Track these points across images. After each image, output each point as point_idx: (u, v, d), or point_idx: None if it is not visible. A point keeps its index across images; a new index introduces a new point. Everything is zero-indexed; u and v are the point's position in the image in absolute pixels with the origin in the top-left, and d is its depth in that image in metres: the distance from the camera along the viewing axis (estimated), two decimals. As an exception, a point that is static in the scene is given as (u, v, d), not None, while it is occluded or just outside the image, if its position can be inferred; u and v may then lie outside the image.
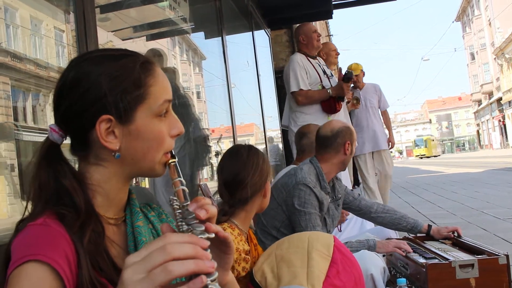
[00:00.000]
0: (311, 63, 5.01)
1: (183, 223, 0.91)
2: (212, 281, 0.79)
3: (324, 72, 5.05)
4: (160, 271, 0.76)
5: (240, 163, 2.22)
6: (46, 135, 1.10)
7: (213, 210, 0.94)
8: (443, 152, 67.87)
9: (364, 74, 6.98)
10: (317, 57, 5.28)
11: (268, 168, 2.25)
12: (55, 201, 1.02)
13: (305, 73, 4.91)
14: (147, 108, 1.06)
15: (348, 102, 5.94)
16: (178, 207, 0.95)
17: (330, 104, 4.86)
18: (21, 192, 2.80)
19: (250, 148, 2.29)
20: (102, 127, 1.03)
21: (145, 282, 0.75)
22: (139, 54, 1.12)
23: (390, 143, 6.99)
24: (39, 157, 1.08)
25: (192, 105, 4.73)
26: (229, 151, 2.36)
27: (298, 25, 5.66)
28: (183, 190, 0.99)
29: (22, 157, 3.02)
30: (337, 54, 6.15)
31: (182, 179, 1.02)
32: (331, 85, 4.92)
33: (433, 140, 68.05)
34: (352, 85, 6.04)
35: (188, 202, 0.95)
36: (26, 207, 1.05)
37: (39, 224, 0.96)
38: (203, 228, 0.89)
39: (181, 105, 4.20)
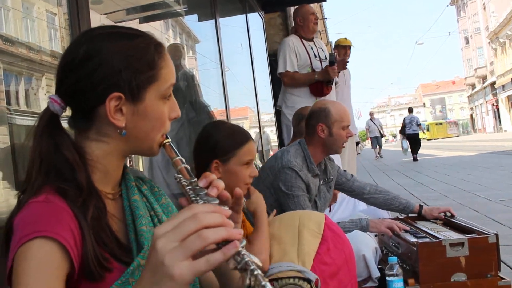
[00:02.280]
0: (304, 45, 5.00)
1: (198, 198, 0.93)
2: (242, 247, 0.80)
3: (317, 56, 5.03)
4: (195, 238, 0.77)
5: (200, 133, 2.21)
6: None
7: (222, 184, 0.96)
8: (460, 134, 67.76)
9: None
10: (314, 40, 5.25)
11: (218, 146, 2.11)
12: (54, 174, 1.03)
13: (295, 55, 4.91)
14: (156, 89, 1.08)
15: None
16: (187, 183, 0.97)
17: (317, 87, 4.86)
18: (15, 177, 2.80)
19: (210, 125, 2.25)
20: (111, 104, 1.04)
21: (180, 249, 0.77)
22: (150, 35, 1.14)
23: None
24: (40, 127, 1.08)
25: (198, 84, 4.76)
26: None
27: (297, 6, 5.62)
28: (186, 168, 1.02)
29: (15, 141, 3.01)
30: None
31: (181, 157, 1.05)
32: (322, 68, 4.91)
33: (437, 124, 67.94)
34: (348, 60, 5.91)
35: (195, 179, 0.98)
36: (24, 181, 1.05)
37: (41, 201, 0.96)
38: (218, 201, 0.92)
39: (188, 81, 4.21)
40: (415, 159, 18.07)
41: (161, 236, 0.78)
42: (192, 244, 0.77)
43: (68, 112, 1.13)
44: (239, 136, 2.14)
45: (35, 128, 1.08)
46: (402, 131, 19.53)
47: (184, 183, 0.98)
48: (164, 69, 1.10)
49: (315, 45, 5.16)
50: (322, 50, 5.22)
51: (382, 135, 23.72)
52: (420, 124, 19.21)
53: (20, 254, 0.89)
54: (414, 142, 18.68)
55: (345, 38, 6.82)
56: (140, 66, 1.06)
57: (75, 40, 1.10)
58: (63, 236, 0.92)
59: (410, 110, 19.95)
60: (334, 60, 4.81)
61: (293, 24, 5.57)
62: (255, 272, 0.78)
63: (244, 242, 0.82)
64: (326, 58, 5.10)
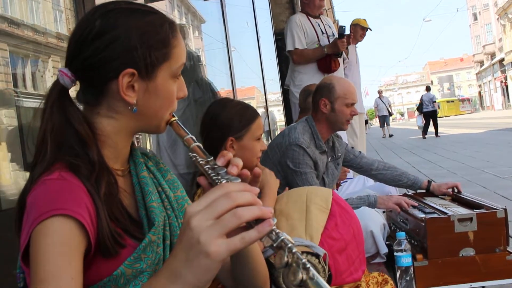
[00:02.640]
0: (311, 22, 4.96)
1: (219, 177, 0.92)
2: (274, 225, 0.81)
3: (324, 32, 5.00)
4: (230, 216, 0.78)
5: (204, 115, 2.21)
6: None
7: (240, 162, 0.95)
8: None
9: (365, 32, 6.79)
10: (321, 17, 5.20)
11: (233, 124, 2.13)
12: (66, 149, 1.03)
13: (303, 32, 4.87)
14: (168, 68, 1.08)
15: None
16: (204, 162, 0.97)
17: (326, 62, 4.82)
18: (23, 159, 2.81)
19: (220, 102, 2.26)
20: (124, 80, 1.04)
21: (216, 227, 0.77)
22: (164, 14, 1.13)
23: None
24: (50, 100, 1.07)
25: (203, 64, 4.74)
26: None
27: None
28: (199, 146, 1.02)
29: (23, 123, 3.02)
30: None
31: (191, 135, 1.05)
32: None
33: (448, 101, 67.26)
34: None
35: (212, 157, 0.98)
36: (34, 155, 1.04)
37: (55, 179, 0.96)
38: (240, 180, 0.92)
39: (194, 61, 4.20)
40: (436, 134, 18.80)
41: (195, 214, 0.79)
42: (227, 222, 0.78)
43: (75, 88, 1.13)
44: (250, 112, 2.18)
45: (45, 102, 1.07)
46: (420, 108, 19.93)
47: (201, 162, 0.97)
48: (176, 48, 1.09)
49: (322, 22, 5.11)
50: (330, 27, 5.17)
51: (390, 114, 23.45)
52: (435, 102, 19.57)
53: (39, 231, 0.89)
54: (431, 119, 19.25)
55: (364, 20, 6.75)
56: (155, 43, 1.06)
57: (89, 14, 1.08)
58: (80, 213, 0.92)
59: (428, 89, 20.59)
60: (343, 33, 4.78)
61: (299, 3, 5.53)
62: (293, 250, 0.78)
63: (275, 220, 0.82)
64: (333, 35, 5.05)
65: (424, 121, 19.86)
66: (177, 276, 0.80)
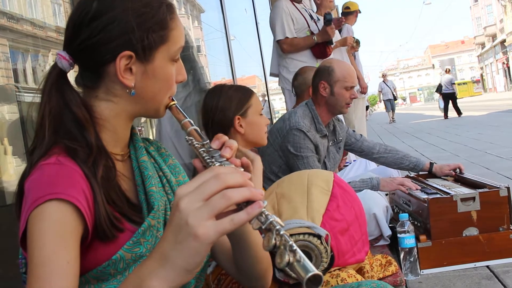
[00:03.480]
0: (297, 8, 4.83)
1: (213, 160, 0.93)
2: (264, 207, 0.81)
3: (311, 17, 4.93)
4: (219, 198, 0.78)
5: (204, 103, 2.27)
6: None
7: (235, 144, 0.96)
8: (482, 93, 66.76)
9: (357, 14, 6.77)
10: (303, 2, 5.13)
11: (232, 103, 2.20)
12: (63, 133, 1.03)
13: (291, 20, 4.77)
14: (166, 50, 1.08)
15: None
16: (199, 145, 0.97)
17: (320, 49, 4.77)
18: (26, 153, 2.81)
19: (215, 87, 2.31)
20: (122, 62, 1.03)
21: (205, 209, 0.77)
22: None
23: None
24: (49, 83, 1.07)
25: (197, 55, 4.71)
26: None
27: None
28: (196, 130, 1.01)
29: (25, 118, 3.03)
30: None
31: (190, 119, 1.05)
32: (319, 30, 4.82)
33: (459, 84, 67.11)
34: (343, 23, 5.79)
35: (208, 141, 0.98)
36: (33, 140, 1.04)
37: (52, 163, 0.96)
38: (233, 166, 0.92)
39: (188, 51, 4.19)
40: (459, 113, 19.51)
41: (184, 196, 0.79)
42: (216, 203, 0.77)
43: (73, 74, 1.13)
44: (245, 88, 2.28)
45: (43, 85, 1.07)
46: (439, 89, 20.31)
47: (196, 145, 0.98)
48: (174, 31, 1.09)
49: (305, 6, 5.02)
50: (313, 11, 5.10)
51: (395, 98, 22.72)
52: (454, 84, 20.03)
53: (35, 216, 0.89)
54: (451, 100, 19.88)
55: (351, 2, 6.71)
56: (153, 25, 1.05)
57: None
58: (76, 197, 0.92)
59: (447, 71, 21.21)
60: (331, 19, 4.69)
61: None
62: (281, 232, 0.77)
63: (266, 202, 0.81)
64: (318, 19, 4.97)
65: (444, 103, 20.31)
66: (166, 258, 0.80)
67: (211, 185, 0.79)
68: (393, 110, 22.88)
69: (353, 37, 5.99)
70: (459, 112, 19.55)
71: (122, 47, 1.03)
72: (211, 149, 0.95)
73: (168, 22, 1.08)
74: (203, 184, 0.79)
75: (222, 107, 2.17)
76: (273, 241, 0.77)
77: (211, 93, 2.27)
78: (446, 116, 19.67)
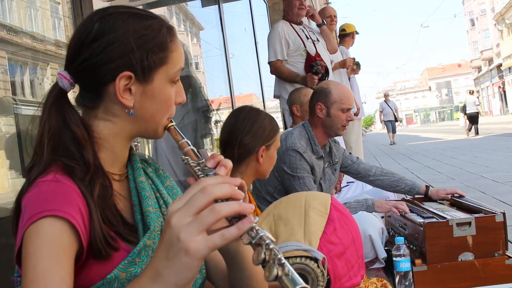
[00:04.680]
0: (294, 29, 4.88)
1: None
2: (255, 222, 0.81)
3: (309, 38, 4.94)
4: (208, 212, 0.79)
5: (235, 121, 2.25)
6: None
7: (230, 164, 0.97)
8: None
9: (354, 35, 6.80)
10: (303, 23, 5.15)
11: (265, 132, 2.24)
12: (62, 151, 1.04)
13: (286, 42, 4.78)
14: (165, 72, 1.09)
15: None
16: (195, 164, 0.98)
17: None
18: (22, 167, 2.81)
19: (251, 110, 2.31)
20: (121, 82, 1.05)
21: (195, 224, 0.78)
22: (163, 18, 1.14)
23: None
24: (49, 102, 1.08)
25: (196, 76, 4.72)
26: (233, 110, 2.40)
27: None
28: (192, 150, 1.02)
29: (22, 131, 3.02)
30: (333, 20, 5.92)
31: (187, 140, 1.06)
32: (316, 51, 4.82)
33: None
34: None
35: (203, 160, 0.98)
36: (32, 158, 1.05)
37: (49, 181, 0.97)
38: (221, 174, 0.93)
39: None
40: (476, 133, 20.57)
41: (174, 213, 0.80)
42: (205, 218, 0.78)
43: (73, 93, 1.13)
44: (275, 123, 2.31)
45: (44, 104, 1.08)
46: (464, 109, 22.10)
47: (192, 164, 0.98)
48: (174, 53, 1.10)
49: (305, 28, 5.06)
50: (314, 32, 5.12)
51: (396, 119, 21.26)
52: (478, 105, 21.70)
53: (30, 232, 0.90)
54: (473, 119, 20.94)
55: (349, 24, 6.73)
56: (153, 46, 1.07)
57: (88, 17, 1.10)
58: (72, 215, 0.92)
59: (471, 92, 23.01)
60: (316, 71, 4.69)
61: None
62: (271, 246, 0.78)
63: (257, 218, 0.82)
64: (318, 40, 5.00)
65: (467, 122, 21.44)
66: (158, 275, 0.81)
67: (198, 198, 0.80)
68: (393, 131, 21.56)
69: (353, 59, 5.99)
70: (477, 131, 20.65)
71: (122, 67, 1.05)
72: (206, 168, 0.96)
73: (168, 44, 1.09)
74: (191, 199, 0.80)
75: (255, 132, 2.20)
76: (263, 255, 0.78)
77: (245, 113, 2.28)
78: (469, 133, 20.91)
